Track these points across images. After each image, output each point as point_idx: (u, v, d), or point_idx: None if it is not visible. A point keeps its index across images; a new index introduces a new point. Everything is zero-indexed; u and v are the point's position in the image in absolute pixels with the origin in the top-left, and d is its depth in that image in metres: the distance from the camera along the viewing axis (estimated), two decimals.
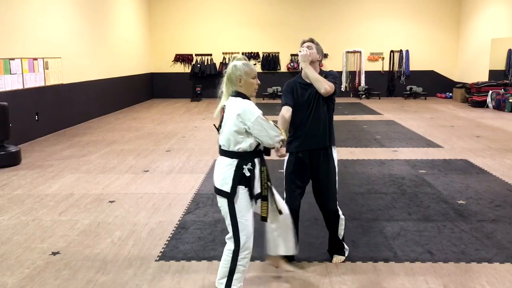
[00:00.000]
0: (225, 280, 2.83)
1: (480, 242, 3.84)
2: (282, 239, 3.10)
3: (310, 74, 3.32)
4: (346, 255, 3.54)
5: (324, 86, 3.27)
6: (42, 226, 4.26)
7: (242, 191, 2.84)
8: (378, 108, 13.22)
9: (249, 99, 2.90)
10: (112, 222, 4.35)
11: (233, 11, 16.09)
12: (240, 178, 2.84)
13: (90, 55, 11.27)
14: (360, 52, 16.25)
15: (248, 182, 2.84)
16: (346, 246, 3.56)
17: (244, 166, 2.85)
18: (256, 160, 2.88)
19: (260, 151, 2.90)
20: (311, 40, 3.44)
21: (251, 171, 2.85)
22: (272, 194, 3.00)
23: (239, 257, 2.85)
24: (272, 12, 16.03)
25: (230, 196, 2.84)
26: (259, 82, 2.93)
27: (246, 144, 2.85)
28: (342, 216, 3.50)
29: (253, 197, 2.87)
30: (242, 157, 2.86)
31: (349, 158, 6.91)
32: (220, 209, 2.94)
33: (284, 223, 3.09)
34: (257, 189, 2.88)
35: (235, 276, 2.86)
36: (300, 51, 3.33)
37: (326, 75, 3.39)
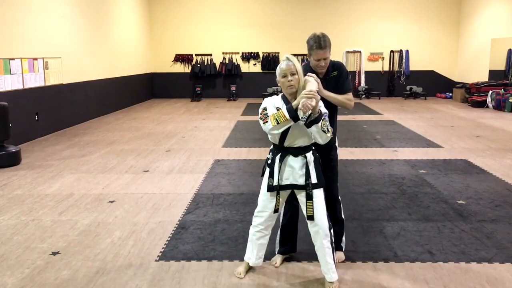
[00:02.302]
0: None
1: (480, 242, 3.84)
2: (321, 263, 3.14)
3: (333, 98, 3.32)
4: (344, 249, 3.57)
5: (350, 105, 3.40)
6: (42, 226, 4.26)
7: (265, 176, 3.17)
8: (378, 108, 13.22)
9: (286, 98, 3.05)
10: (112, 222, 4.35)
11: (233, 11, 16.09)
12: (265, 165, 3.21)
13: (90, 55, 11.27)
14: (360, 52, 16.25)
15: (268, 171, 3.12)
16: (344, 240, 3.59)
17: (268, 156, 3.17)
18: (279, 154, 3.08)
19: (283, 147, 3.07)
20: (326, 43, 3.24)
21: (271, 161, 3.11)
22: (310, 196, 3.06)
23: (250, 229, 3.29)
24: (272, 12, 16.03)
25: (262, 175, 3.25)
26: (291, 79, 2.97)
27: (269, 136, 3.11)
28: (339, 199, 3.59)
29: (270, 188, 3.10)
30: (272, 147, 3.18)
31: (349, 158, 6.91)
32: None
33: (320, 250, 3.10)
34: (274, 181, 3.08)
35: (248, 244, 3.31)
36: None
37: (341, 74, 3.40)
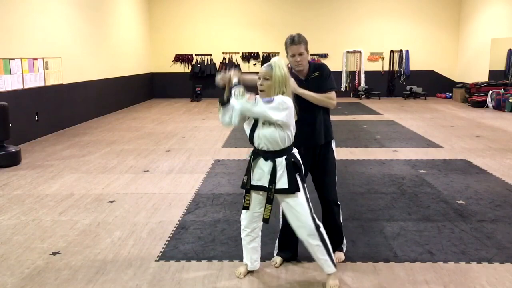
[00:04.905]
0: None
1: (480, 242, 3.84)
2: (315, 259, 3.13)
3: (309, 97, 3.30)
4: (344, 250, 3.57)
5: (331, 103, 3.38)
6: (42, 226, 4.26)
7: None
8: (378, 108, 13.22)
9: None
10: (112, 222, 4.35)
11: (233, 11, 16.09)
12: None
13: (90, 55, 11.27)
14: (360, 52, 16.25)
15: (246, 168, 3.15)
16: (344, 242, 3.59)
17: (247, 155, 3.19)
18: (253, 155, 3.10)
19: (256, 149, 3.08)
20: (300, 39, 3.32)
21: (249, 159, 3.13)
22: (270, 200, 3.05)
23: (241, 233, 3.27)
24: (272, 12, 16.03)
25: None
26: (261, 83, 3.00)
27: None
28: (339, 204, 3.59)
29: (242, 184, 3.16)
30: None
31: (349, 158, 6.91)
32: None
33: (310, 249, 3.09)
34: (251, 180, 3.10)
35: (243, 248, 3.30)
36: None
37: (322, 74, 3.39)
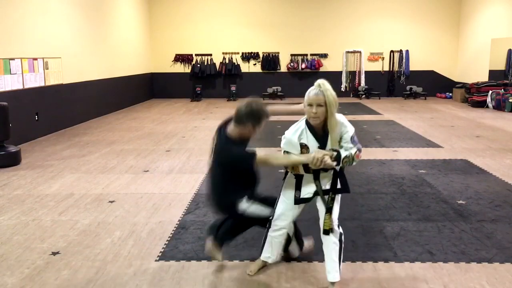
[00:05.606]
0: None
1: (480, 242, 3.84)
2: (326, 260, 3.11)
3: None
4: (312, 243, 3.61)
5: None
6: (42, 226, 4.26)
7: (288, 185, 3.19)
8: (378, 108, 13.22)
9: (309, 124, 3.04)
10: (112, 222, 4.35)
11: (233, 11, 16.09)
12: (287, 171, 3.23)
13: (90, 55, 11.27)
14: (360, 52, 16.25)
15: (295, 182, 3.14)
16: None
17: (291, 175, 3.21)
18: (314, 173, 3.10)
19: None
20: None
21: (298, 175, 3.15)
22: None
23: (270, 232, 3.23)
24: (272, 12, 16.03)
25: None
26: (316, 111, 2.93)
27: None
28: None
29: (297, 201, 3.14)
30: None
31: None
32: None
33: (326, 244, 3.08)
34: (302, 194, 3.11)
35: (266, 245, 3.29)
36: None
37: None
